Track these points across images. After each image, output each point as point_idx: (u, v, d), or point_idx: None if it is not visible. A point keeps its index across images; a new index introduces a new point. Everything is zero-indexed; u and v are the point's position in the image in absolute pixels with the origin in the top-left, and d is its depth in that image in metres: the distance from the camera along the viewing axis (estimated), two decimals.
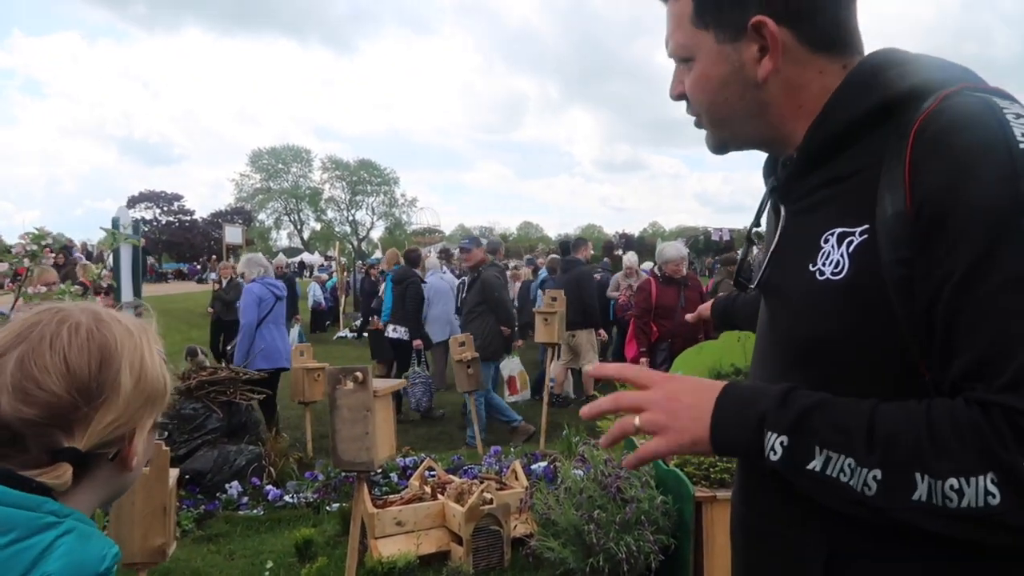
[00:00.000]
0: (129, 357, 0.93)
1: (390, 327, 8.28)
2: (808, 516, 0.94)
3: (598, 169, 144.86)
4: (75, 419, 0.88)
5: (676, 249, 6.61)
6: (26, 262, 3.34)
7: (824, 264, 0.93)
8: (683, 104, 1.10)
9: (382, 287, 10.03)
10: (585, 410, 1.01)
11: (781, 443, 0.87)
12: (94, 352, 0.91)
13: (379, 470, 4.80)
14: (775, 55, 0.97)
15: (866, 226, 0.89)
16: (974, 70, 0.96)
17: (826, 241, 0.94)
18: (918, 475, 0.80)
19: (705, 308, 2.08)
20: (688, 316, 2.19)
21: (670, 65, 1.10)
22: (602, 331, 9.03)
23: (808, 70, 0.98)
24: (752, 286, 1.12)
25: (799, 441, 0.86)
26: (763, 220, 1.20)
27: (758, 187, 1.16)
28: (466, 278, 6.74)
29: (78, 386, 0.88)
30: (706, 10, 1.01)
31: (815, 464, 0.85)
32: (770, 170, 1.14)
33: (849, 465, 0.83)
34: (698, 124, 1.11)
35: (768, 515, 1.04)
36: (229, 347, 8.53)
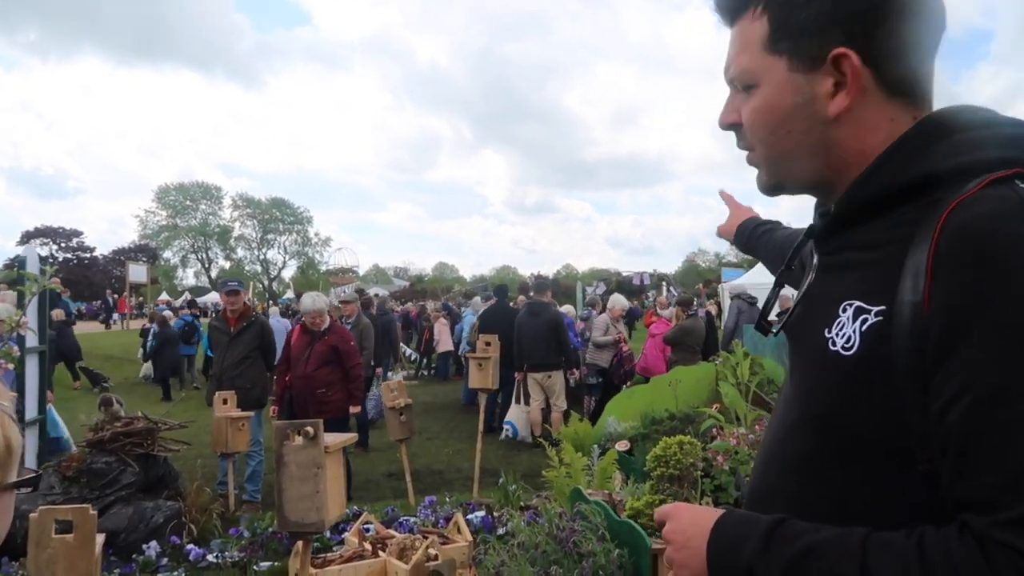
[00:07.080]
0: None
1: None
2: None
3: (510, 211, 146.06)
4: None
5: (312, 300, 6.47)
6: None
7: (837, 335, 0.90)
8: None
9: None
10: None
11: None
12: None
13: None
14: (852, 92, 0.91)
15: (883, 307, 0.85)
16: None
17: (844, 311, 0.90)
18: None
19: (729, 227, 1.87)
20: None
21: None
22: (575, 371, 9.18)
23: (879, 115, 0.93)
24: (774, 330, 1.09)
25: None
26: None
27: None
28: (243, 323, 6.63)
29: None
30: (784, 35, 0.93)
31: None
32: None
33: None
34: (750, 160, 1.04)
35: None
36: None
